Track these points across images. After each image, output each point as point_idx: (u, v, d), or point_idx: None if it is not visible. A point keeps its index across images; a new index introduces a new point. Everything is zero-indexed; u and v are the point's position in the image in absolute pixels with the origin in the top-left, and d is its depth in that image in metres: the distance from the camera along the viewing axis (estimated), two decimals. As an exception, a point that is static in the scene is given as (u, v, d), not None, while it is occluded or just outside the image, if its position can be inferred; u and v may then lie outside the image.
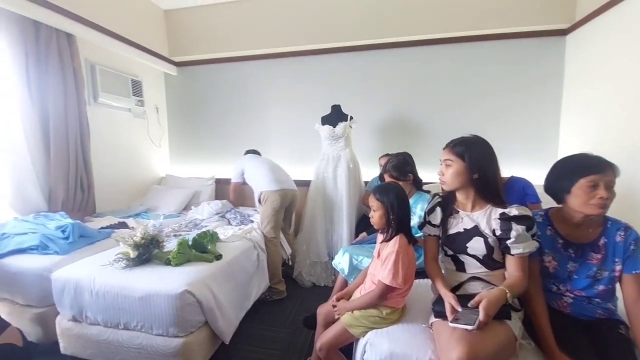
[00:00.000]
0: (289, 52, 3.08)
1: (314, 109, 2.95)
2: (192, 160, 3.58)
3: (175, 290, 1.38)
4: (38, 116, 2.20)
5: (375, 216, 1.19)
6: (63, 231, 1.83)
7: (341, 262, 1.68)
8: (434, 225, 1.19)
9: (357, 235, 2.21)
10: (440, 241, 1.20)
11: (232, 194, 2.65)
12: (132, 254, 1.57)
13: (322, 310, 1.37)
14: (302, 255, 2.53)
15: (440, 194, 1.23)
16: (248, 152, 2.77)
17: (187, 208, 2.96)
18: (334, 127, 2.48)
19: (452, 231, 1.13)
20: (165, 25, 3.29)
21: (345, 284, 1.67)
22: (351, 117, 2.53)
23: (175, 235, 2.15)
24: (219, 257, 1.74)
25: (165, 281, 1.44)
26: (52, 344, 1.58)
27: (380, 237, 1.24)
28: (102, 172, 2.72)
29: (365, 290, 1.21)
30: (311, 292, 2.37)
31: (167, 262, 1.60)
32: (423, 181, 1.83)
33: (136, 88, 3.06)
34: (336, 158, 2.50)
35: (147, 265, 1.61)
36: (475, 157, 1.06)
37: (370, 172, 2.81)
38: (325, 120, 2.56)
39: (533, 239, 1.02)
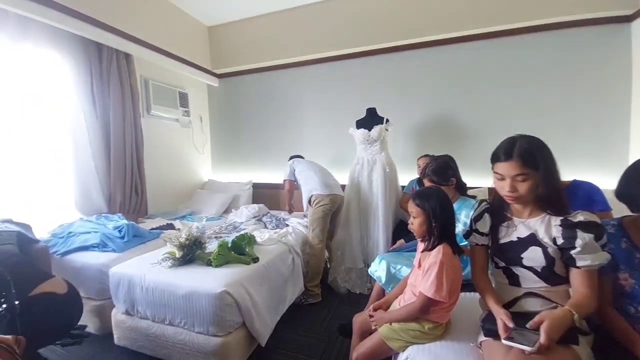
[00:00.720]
0: (323, 58, 3.12)
1: (348, 113, 2.93)
2: (231, 165, 3.75)
3: (214, 290, 1.44)
4: (101, 128, 2.47)
5: (415, 223, 1.12)
6: (120, 231, 2.02)
7: (378, 269, 1.62)
8: (482, 234, 1.09)
9: (394, 242, 2.12)
10: (489, 251, 1.09)
11: (289, 194, 2.63)
12: (178, 254, 1.67)
13: (358, 319, 1.33)
14: (336, 260, 2.50)
15: (488, 200, 1.13)
16: (293, 157, 2.79)
17: (227, 211, 3.10)
18: (369, 130, 2.44)
19: (504, 240, 1.02)
20: (209, 40, 3.53)
21: (382, 292, 1.61)
22: (387, 120, 2.47)
23: (216, 237, 2.25)
24: (256, 259, 1.78)
25: (206, 281, 1.51)
26: (108, 335, 1.72)
27: (420, 245, 1.16)
28: (153, 177, 2.96)
29: (405, 301, 1.14)
30: (346, 299, 2.32)
31: (209, 263, 1.68)
32: (467, 185, 1.70)
33: (183, 100, 3.31)
34: (371, 162, 2.45)
35: (191, 265, 1.70)
36: (547, 162, 0.93)
37: (407, 176, 2.70)
38: (360, 124, 2.52)
39: (603, 250, 0.88)
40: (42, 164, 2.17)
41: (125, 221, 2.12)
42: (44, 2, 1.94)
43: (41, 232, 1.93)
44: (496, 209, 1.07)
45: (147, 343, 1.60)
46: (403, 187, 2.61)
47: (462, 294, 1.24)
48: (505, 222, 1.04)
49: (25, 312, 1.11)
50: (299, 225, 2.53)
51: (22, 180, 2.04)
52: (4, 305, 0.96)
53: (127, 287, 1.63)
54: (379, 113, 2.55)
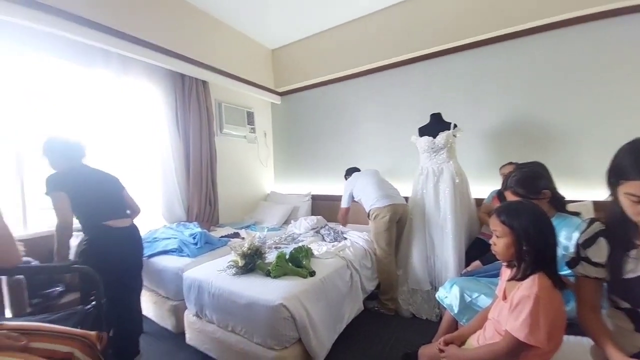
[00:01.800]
0: (382, 66, 3.03)
1: (409, 120, 2.76)
2: (292, 178, 3.88)
3: (272, 302, 1.44)
4: (183, 147, 2.82)
5: (500, 244, 0.91)
6: (194, 238, 2.23)
7: (448, 296, 1.41)
8: (594, 264, 0.83)
9: (467, 264, 1.85)
10: (606, 287, 0.83)
11: (343, 220, 2.65)
12: (240, 262, 1.75)
13: (426, 352, 1.15)
14: (398, 280, 2.30)
15: (601, 219, 0.87)
16: (349, 170, 2.74)
17: (287, 222, 3.18)
18: (434, 137, 2.23)
19: (630, 275, 0.76)
20: (272, 62, 3.79)
21: (454, 323, 1.39)
22: (455, 125, 2.22)
23: (275, 248, 2.30)
24: (312, 273, 1.75)
25: (264, 292, 1.52)
26: (181, 334, 1.88)
27: (506, 271, 0.95)
28: (224, 189, 3.24)
29: (485, 339, 0.94)
30: (410, 324, 2.10)
31: (267, 273, 1.70)
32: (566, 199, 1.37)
33: (250, 118, 3.59)
34: (437, 172, 2.21)
35: (252, 274, 1.75)
36: None
37: (485, 187, 2.38)
38: (424, 131, 2.33)
39: None
40: (138, 178, 2.56)
41: (199, 229, 2.34)
42: (142, 44, 2.34)
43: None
44: (616, 232, 0.81)
45: (213, 346, 1.68)
46: (477, 200, 2.30)
47: (565, 337, 0.97)
48: (633, 251, 0.78)
49: (97, 237, 1.55)
50: (358, 239, 2.43)
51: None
52: (93, 303, 1.11)
53: (197, 291, 1.76)
54: (445, 118, 2.33)
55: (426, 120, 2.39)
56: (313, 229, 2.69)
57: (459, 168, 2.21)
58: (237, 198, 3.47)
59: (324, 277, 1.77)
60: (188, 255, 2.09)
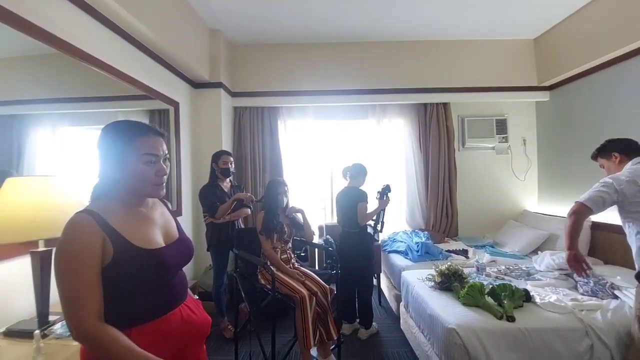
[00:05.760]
0: None
1: None
2: (561, 195, 3.00)
3: (446, 323, 1.57)
4: (423, 165, 3.31)
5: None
6: (417, 245, 2.67)
7: None
8: None
9: None
10: None
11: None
12: (437, 279, 1.97)
13: None
14: None
15: None
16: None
17: (537, 251, 2.61)
18: None
19: None
20: (534, 53, 3.14)
21: None
22: None
23: (497, 277, 2.15)
24: (511, 318, 1.56)
25: (446, 311, 1.66)
26: (398, 318, 2.42)
27: None
28: (465, 203, 3.31)
29: None
30: None
31: (459, 297, 1.78)
32: None
33: (500, 126, 3.30)
34: None
35: (447, 292, 1.90)
36: None
37: None
38: None
39: None
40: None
41: (422, 240, 2.74)
42: (394, 91, 3.11)
43: (383, 235, 3.12)
44: None
45: (412, 338, 2.07)
46: None
47: None
48: None
49: (339, 235, 2.29)
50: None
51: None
52: (333, 272, 1.97)
53: (406, 289, 2.21)
54: None
55: None
56: (561, 269, 2.08)
57: None
58: (479, 213, 3.35)
59: (528, 328, 1.51)
60: (410, 259, 2.58)
